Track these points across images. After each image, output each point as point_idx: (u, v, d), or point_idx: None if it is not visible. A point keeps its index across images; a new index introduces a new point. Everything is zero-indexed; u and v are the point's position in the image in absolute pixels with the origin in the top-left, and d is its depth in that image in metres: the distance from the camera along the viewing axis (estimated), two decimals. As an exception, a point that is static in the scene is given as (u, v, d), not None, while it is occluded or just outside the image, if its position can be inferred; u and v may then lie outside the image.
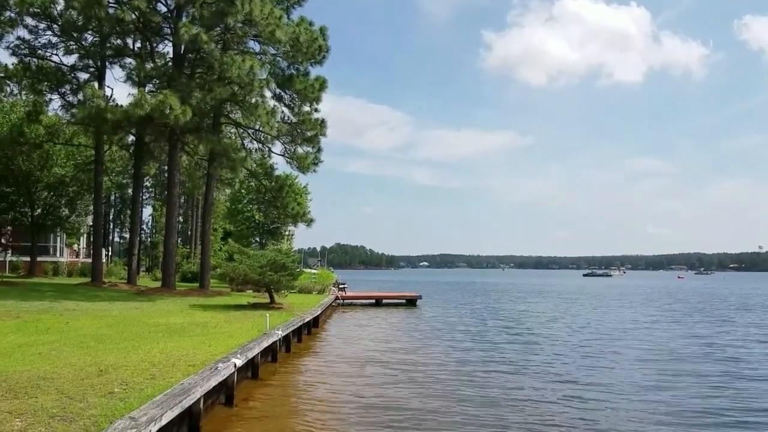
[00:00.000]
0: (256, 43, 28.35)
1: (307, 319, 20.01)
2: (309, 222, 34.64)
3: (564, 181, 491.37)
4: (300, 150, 30.80)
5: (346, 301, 36.78)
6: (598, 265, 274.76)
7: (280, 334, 14.51)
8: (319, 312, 23.44)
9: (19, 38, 28.00)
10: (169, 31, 26.95)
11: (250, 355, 11.47)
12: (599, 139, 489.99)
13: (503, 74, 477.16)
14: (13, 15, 27.34)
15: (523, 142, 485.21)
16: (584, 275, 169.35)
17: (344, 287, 41.87)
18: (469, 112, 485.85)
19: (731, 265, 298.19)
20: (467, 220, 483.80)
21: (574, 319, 29.37)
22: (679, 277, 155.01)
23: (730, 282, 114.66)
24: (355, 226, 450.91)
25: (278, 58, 28.87)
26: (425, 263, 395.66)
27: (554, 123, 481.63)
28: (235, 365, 9.67)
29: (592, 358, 16.60)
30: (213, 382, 8.45)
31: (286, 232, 52.47)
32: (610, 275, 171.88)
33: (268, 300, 22.43)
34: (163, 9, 27.21)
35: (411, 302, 38.34)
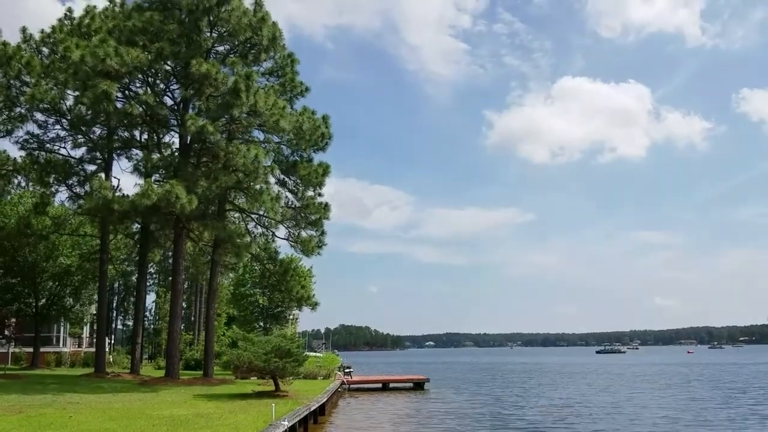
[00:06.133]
0: (261, 132, 29.09)
1: (314, 408, 19.61)
2: (314, 305, 34.45)
3: (568, 255, 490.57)
4: (304, 234, 31.02)
5: (352, 385, 36.09)
6: (607, 341, 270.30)
7: (285, 424, 14.21)
8: (326, 399, 22.99)
9: (28, 133, 28.90)
10: (175, 122, 27.73)
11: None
12: (603, 213, 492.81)
13: (505, 152, 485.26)
14: (23, 111, 28.32)
15: (526, 218, 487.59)
16: (597, 352, 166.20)
17: (350, 371, 41.18)
18: (472, 189, 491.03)
19: (741, 338, 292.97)
20: (472, 297, 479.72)
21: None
22: (688, 352, 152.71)
23: (745, 356, 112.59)
24: (360, 306, 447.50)
25: (282, 146, 29.59)
26: (431, 343, 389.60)
27: (557, 198, 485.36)
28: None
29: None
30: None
31: (291, 316, 52.08)
32: (623, 351, 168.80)
33: (273, 387, 22.05)
34: (170, 102, 28.15)
35: (418, 385, 37.58)
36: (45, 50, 29.47)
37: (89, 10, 29.67)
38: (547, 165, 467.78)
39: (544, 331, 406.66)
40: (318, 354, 54.03)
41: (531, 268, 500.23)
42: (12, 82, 27.71)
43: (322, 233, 30.84)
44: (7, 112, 28.11)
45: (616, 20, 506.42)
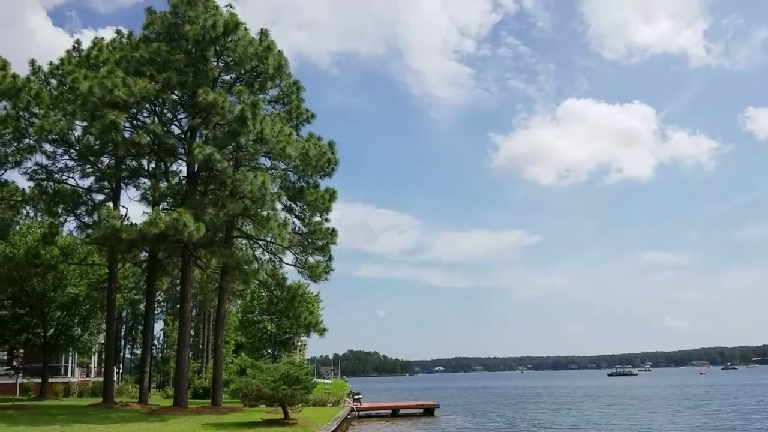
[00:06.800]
0: (267, 158, 29.25)
1: (323, 435, 19.42)
2: (322, 331, 34.26)
3: (576, 276, 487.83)
4: (311, 259, 30.99)
5: (361, 412, 35.75)
6: (618, 363, 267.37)
7: (296, 453, 14.06)
8: (335, 426, 22.77)
9: (37, 164, 29.09)
10: (183, 151, 27.94)
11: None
12: (610, 233, 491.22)
13: (511, 174, 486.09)
14: (32, 142, 28.57)
15: (533, 240, 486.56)
16: (609, 375, 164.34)
17: (359, 398, 40.83)
18: (478, 212, 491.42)
19: (754, 359, 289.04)
20: (480, 321, 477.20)
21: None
22: (701, 373, 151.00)
23: (760, 376, 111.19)
24: (368, 331, 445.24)
25: (289, 172, 29.71)
26: (440, 367, 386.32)
27: (564, 219, 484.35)
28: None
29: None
30: None
31: (299, 343, 51.81)
32: (635, 374, 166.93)
33: (282, 415, 21.88)
34: (177, 131, 28.38)
35: (429, 411, 37.22)
36: (54, 82, 29.81)
37: (97, 42, 30.10)
38: (554, 186, 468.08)
39: (555, 353, 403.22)
40: (327, 380, 53.51)
41: (539, 290, 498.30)
42: (21, 113, 28.00)
43: (330, 258, 30.81)
44: (16, 144, 28.37)
45: (619, 42, 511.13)
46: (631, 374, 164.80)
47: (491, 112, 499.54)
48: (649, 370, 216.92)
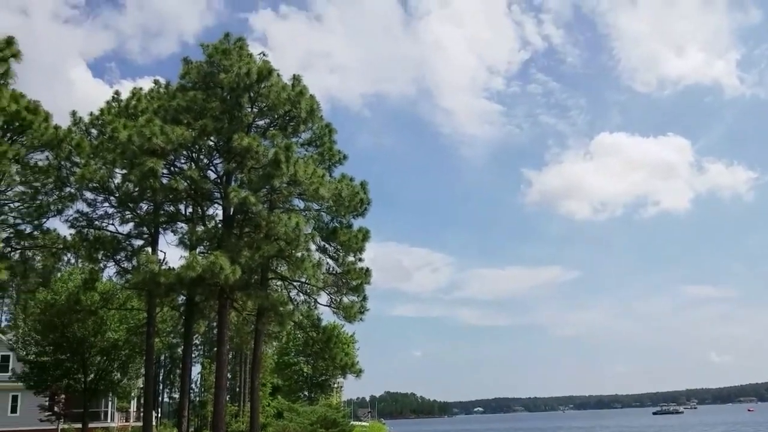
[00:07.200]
0: (301, 200, 29.53)
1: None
2: (358, 373, 33.99)
3: (616, 312, 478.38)
4: (346, 299, 30.91)
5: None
6: (662, 401, 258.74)
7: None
8: (374, 470, 22.38)
9: (77, 211, 29.84)
10: (218, 195, 28.40)
11: None
12: (649, 268, 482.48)
13: (545, 209, 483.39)
14: (73, 190, 29.39)
15: (570, 276, 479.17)
16: (654, 413, 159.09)
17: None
18: (512, 248, 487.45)
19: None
20: (520, 360, 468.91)
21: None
22: (749, 410, 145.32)
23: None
24: (405, 372, 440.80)
25: (322, 213, 29.93)
26: (480, 409, 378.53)
27: (601, 254, 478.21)
28: None
29: None
30: None
31: (335, 384, 51.45)
32: (681, 412, 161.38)
33: (320, 459, 21.63)
34: (213, 176, 28.89)
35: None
36: (94, 132, 30.80)
37: (136, 92, 31.11)
38: (590, 221, 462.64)
39: (597, 392, 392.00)
40: (364, 423, 52.91)
41: (579, 328, 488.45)
42: (63, 163, 28.83)
43: (364, 298, 30.71)
44: (57, 192, 29.17)
45: (650, 75, 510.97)
46: (677, 412, 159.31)
47: (523, 148, 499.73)
48: (695, 408, 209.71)
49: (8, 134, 26.74)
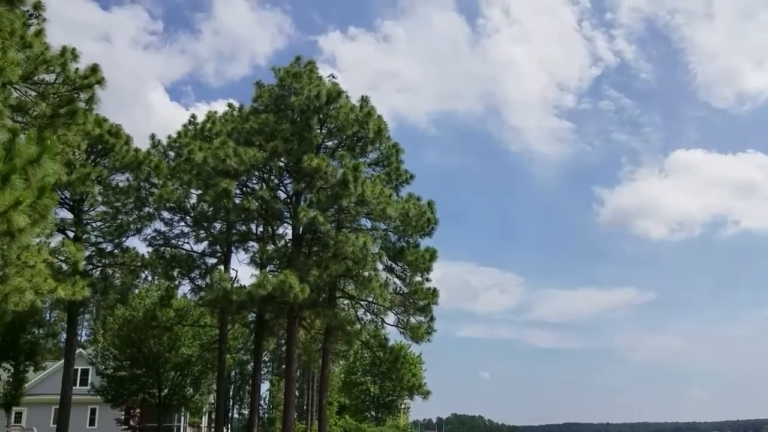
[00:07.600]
0: (368, 220, 29.74)
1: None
2: (426, 394, 33.62)
3: (694, 336, 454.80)
4: (413, 320, 30.79)
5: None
6: (743, 429, 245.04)
7: None
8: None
9: (155, 230, 31.04)
10: (288, 215, 28.96)
11: None
12: (730, 289, 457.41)
13: (618, 229, 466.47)
14: (151, 210, 30.59)
15: (645, 298, 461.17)
16: None
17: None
18: (584, 269, 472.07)
19: None
20: (591, 384, 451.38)
21: None
22: None
23: None
24: (472, 394, 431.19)
25: (389, 233, 30.02)
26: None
27: (678, 275, 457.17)
28: None
29: None
30: None
31: (402, 405, 51.16)
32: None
33: (387, 480, 21.48)
34: (283, 196, 29.53)
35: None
36: (171, 154, 32.05)
37: (210, 116, 32.23)
38: (666, 241, 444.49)
39: (673, 419, 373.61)
40: (431, 445, 52.36)
41: (654, 352, 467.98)
42: (142, 184, 30.11)
43: (431, 319, 30.51)
44: (137, 212, 30.44)
45: (728, 90, 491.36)
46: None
47: (595, 166, 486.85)
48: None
49: (92, 156, 28.20)
